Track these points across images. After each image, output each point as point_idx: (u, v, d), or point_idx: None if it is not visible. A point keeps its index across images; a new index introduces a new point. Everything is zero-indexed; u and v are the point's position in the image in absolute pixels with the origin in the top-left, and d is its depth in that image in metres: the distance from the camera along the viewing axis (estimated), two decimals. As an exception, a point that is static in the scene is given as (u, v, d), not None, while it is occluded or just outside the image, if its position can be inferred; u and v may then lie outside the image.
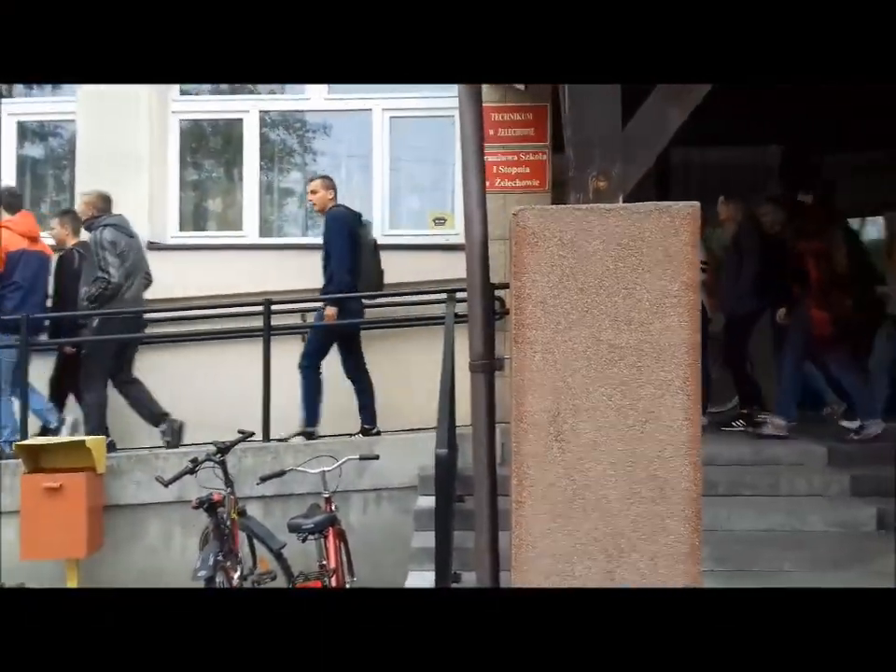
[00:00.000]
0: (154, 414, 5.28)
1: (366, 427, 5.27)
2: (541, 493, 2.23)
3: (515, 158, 6.32)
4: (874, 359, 5.19)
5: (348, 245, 5.25)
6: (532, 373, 2.29)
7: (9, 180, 6.54)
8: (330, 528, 3.82)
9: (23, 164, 6.80)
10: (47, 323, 5.65)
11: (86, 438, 4.57)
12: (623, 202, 2.82)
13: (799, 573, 3.81)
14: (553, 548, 2.22)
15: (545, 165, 6.28)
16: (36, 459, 4.54)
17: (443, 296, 5.17)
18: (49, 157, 7.04)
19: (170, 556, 4.81)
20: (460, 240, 5.73)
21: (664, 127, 2.92)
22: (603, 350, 2.28)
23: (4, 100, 6.61)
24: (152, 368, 5.64)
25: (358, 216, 5.62)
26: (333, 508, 3.97)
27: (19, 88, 6.80)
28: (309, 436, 5.12)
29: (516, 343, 2.32)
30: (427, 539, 3.87)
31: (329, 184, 5.62)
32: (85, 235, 5.68)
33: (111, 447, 5.04)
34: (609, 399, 2.25)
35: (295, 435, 5.20)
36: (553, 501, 2.23)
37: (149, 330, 5.88)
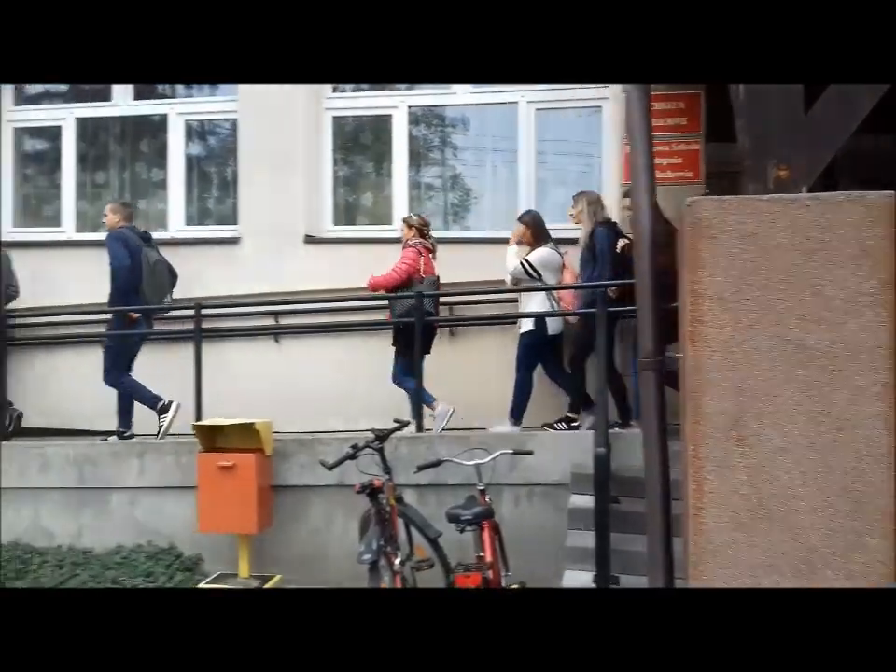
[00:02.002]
0: None
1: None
2: (722, 500, 2.15)
3: (667, 148, 6.11)
4: None
5: (128, 263, 5.84)
6: (710, 374, 2.21)
7: (177, 177, 7.05)
8: (486, 521, 3.85)
9: (190, 162, 7.26)
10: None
11: (255, 420, 4.84)
12: (808, 192, 2.65)
13: None
14: (736, 560, 2.13)
15: (699, 155, 6.03)
16: (211, 439, 4.87)
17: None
18: (212, 154, 7.49)
19: (332, 537, 5.01)
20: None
21: (852, 111, 2.71)
22: (790, 351, 2.16)
23: (171, 100, 7.11)
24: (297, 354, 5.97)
25: (144, 236, 6.15)
26: (488, 500, 4.00)
27: (182, 89, 7.28)
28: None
29: (691, 341, 2.24)
30: (582, 539, 3.84)
31: (117, 208, 6.17)
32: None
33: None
34: (797, 404, 2.13)
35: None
36: (736, 510, 2.14)
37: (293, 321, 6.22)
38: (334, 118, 6.96)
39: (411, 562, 4.01)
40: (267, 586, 4.69)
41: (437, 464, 4.13)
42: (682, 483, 2.34)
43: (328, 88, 6.92)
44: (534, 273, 5.43)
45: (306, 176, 6.70)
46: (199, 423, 5.00)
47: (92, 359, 6.32)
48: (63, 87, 7.46)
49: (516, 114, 6.73)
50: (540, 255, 5.52)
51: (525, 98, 6.68)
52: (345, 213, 7.12)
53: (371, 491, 3.94)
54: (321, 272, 6.09)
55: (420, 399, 5.26)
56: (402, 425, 4.48)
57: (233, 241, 6.70)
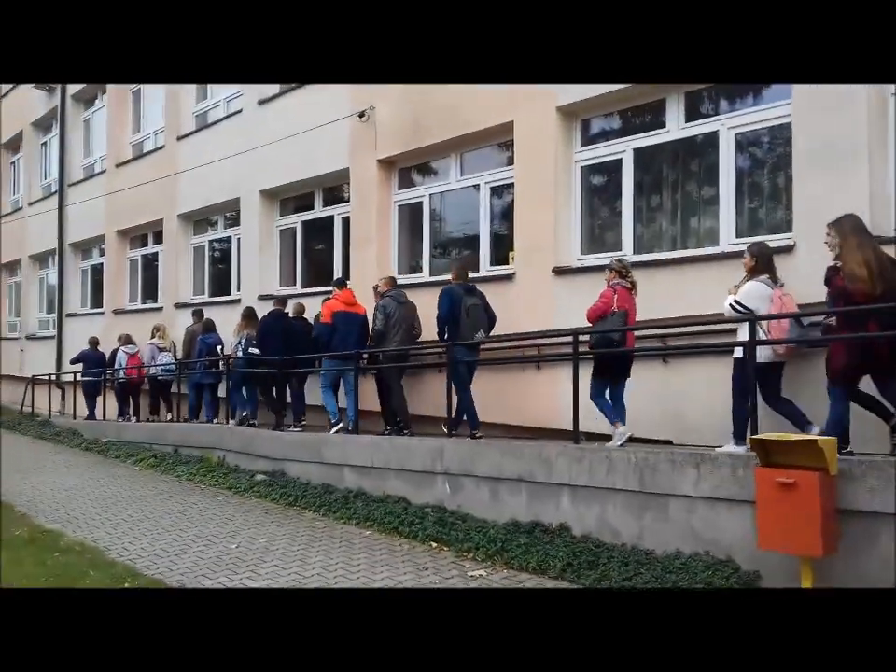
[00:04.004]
0: None
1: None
2: None
3: None
4: None
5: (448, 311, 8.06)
6: None
7: (728, 191, 7.02)
8: None
9: (739, 174, 7.16)
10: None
11: (817, 437, 4.48)
12: None
13: None
14: None
15: None
16: (768, 454, 4.66)
17: None
18: (759, 163, 7.25)
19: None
20: None
21: None
22: None
23: (722, 116, 7.11)
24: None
25: (467, 288, 8.17)
26: None
27: (726, 104, 7.21)
28: None
29: None
30: None
31: (451, 268, 8.60)
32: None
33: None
34: None
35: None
36: None
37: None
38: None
39: None
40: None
41: None
42: None
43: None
44: (743, 311, 5.75)
45: (871, 168, 6.00)
46: (757, 437, 4.85)
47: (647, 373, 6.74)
48: (617, 123, 8.17)
49: None
50: (747, 291, 5.87)
51: None
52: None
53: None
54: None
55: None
56: None
57: (787, 249, 6.39)
